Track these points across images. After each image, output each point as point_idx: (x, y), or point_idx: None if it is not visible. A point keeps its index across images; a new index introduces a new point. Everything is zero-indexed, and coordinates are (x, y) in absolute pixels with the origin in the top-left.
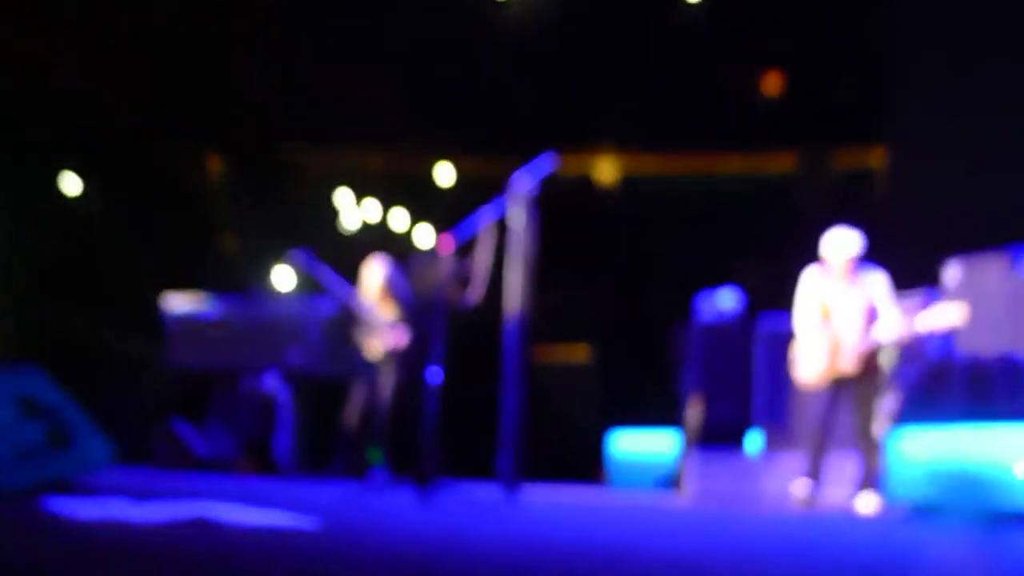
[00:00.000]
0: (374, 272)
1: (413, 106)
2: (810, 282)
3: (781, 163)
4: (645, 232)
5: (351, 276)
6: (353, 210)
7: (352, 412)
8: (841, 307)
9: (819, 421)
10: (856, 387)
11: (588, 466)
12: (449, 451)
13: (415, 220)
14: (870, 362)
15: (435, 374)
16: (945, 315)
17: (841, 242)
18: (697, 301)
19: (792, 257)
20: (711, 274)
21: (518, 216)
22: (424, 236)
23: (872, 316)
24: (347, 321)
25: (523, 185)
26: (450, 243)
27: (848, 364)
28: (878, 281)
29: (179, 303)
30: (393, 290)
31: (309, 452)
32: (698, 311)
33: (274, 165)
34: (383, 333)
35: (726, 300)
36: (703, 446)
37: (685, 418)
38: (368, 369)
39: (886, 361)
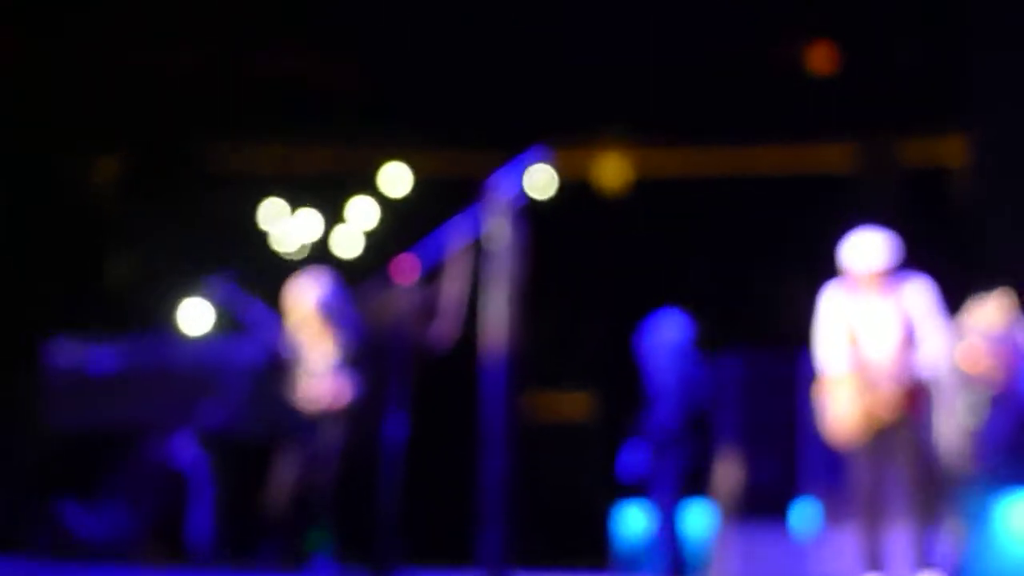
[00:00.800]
0: (305, 295)
1: (363, 91)
2: (831, 303)
3: (834, 158)
4: (662, 249)
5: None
6: (288, 225)
7: (279, 485)
8: (871, 330)
9: (863, 487)
10: (898, 435)
11: (591, 548)
12: (414, 531)
13: (368, 237)
14: (913, 400)
15: (395, 434)
16: None
17: (867, 248)
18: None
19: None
20: (745, 299)
21: (499, 230)
22: (379, 257)
23: (913, 339)
24: (280, 368)
25: (506, 190)
26: (413, 266)
27: (884, 405)
28: (918, 292)
29: (63, 349)
30: (334, 320)
31: (232, 535)
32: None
33: (185, 169)
34: (321, 381)
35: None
36: (739, 520)
37: (715, 484)
38: (305, 429)
39: (968, 408)
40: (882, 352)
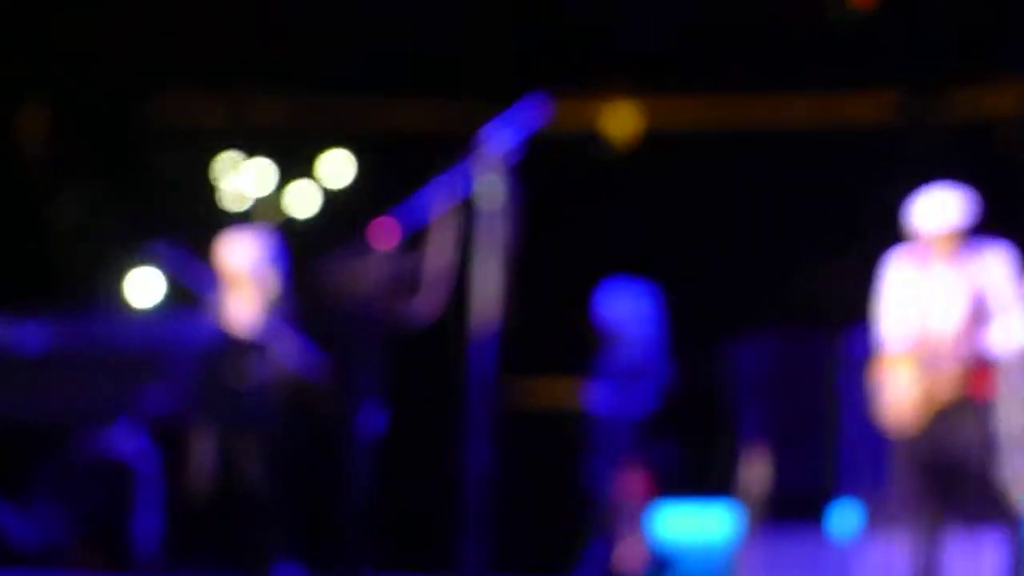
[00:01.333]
0: (240, 252)
1: (328, 31)
2: (896, 271)
3: (870, 108)
4: (676, 209)
5: None
6: (243, 184)
7: (200, 476)
8: (936, 302)
9: (916, 483)
10: (957, 422)
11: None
12: (388, 535)
13: (335, 198)
14: (978, 383)
15: (368, 422)
16: None
17: (938, 207)
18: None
19: (888, 241)
20: (771, 267)
21: (491, 190)
22: (351, 221)
23: (984, 314)
24: (235, 347)
25: (498, 145)
26: (391, 231)
27: (944, 386)
28: (995, 260)
29: None
30: (269, 284)
31: (182, 537)
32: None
33: (125, 121)
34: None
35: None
36: (769, 524)
37: (741, 483)
38: (264, 416)
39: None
40: (946, 327)
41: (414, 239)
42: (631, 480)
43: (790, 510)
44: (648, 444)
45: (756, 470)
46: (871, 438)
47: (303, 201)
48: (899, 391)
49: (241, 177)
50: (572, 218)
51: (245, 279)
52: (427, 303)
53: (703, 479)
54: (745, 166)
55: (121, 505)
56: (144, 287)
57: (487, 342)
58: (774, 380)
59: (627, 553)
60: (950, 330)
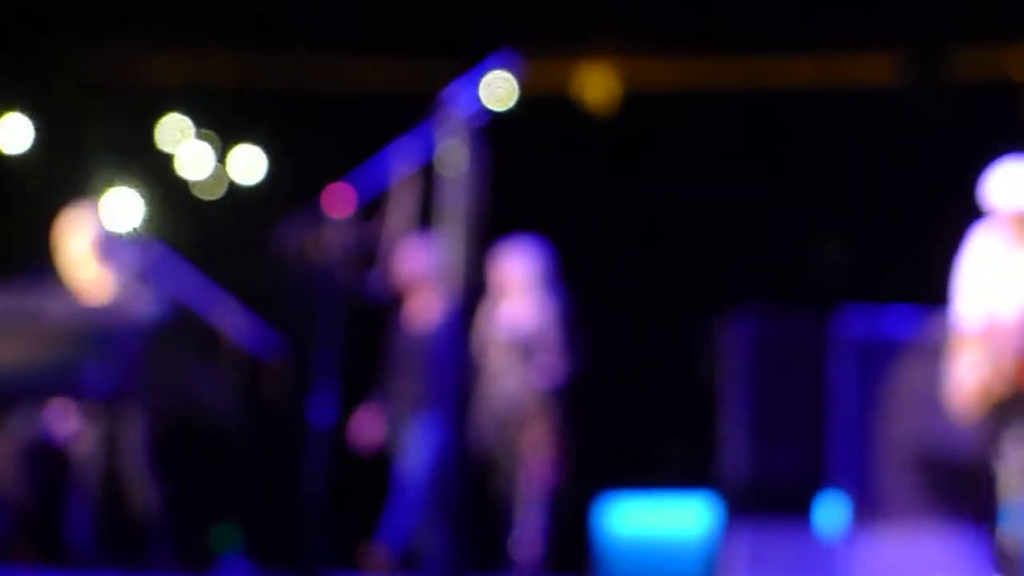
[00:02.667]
0: (76, 233)
1: None
2: (981, 246)
3: (874, 69)
4: (657, 179)
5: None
6: (189, 146)
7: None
8: (1008, 285)
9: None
10: (1016, 413)
11: (567, 552)
12: (345, 529)
13: (285, 161)
14: None
15: (322, 406)
16: None
17: (1016, 181)
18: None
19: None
20: (761, 243)
21: (454, 155)
22: (303, 186)
23: None
24: (184, 321)
25: (463, 106)
26: (347, 197)
27: (1007, 375)
28: None
29: None
30: (112, 263)
31: (120, 530)
32: None
33: (63, 80)
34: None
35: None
36: (751, 517)
37: (722, 474)
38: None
39: None
40: (1011, 316)
41: (371, 206)
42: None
43: (775, 503)
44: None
45: (738, 459)
46: (862, 429)
47: (250, 167)
48: (966, 376)
49: (191, 143)
50: (539, 186)
51: (85, 260)
52: (384, 275)
53: (682, 469)
54: (731, 131)
55: (54, 494)
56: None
57: (448, 320)
58: (757, 364)
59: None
60: (1013, 320)
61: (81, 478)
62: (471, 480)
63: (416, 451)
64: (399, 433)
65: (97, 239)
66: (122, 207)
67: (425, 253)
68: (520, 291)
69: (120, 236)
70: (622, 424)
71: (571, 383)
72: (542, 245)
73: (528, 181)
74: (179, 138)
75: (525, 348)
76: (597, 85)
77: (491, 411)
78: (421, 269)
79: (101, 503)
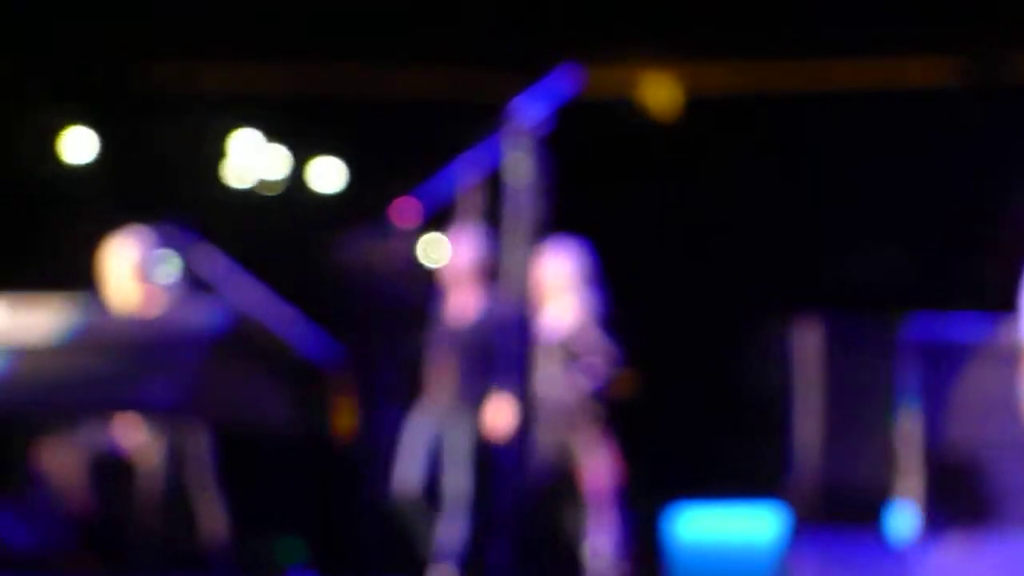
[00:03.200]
0: (118, 256)
1: None
2: None
3: (930, 71)
4: (722, 183)
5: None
6: (252, 159)
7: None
8: None
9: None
10: None
11: (637, 562)
12: (400, 539)
13: (352, 171)
14: None
15: (384, 417)
16: None
17: None
18: None
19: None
20: (823, 249)
21: (520, 166)
22: (369, 197)
23: None
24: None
25: (527, 117)
26: (413, 210)
27: None
28: None
29: None
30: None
31: (185, 543)
32: None
33: (120, 90)
34: None
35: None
36: (821, 525)
37: (791, 482)
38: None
39: None
40: None
41: (438, 219)
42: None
43: (844, 510)
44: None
45: (807, 468)
46: (932, 436)
47: (319, 177)
48: None
49: (252, 152)
50: (602, 194)
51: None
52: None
53: (751, 477)
54: (795, 135)
55: (119, 506)
56: None
57: (514, 327)
58: (828, 369)
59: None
60: None
61: (146, 491)
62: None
63: (454, 453)
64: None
65: (140, 261)
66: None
67: (470, 247)
68: (561, 293)
69: (167, 252)
70: (690, 432)
71: (635, 390)
72: (582, 245)
73: (592, 186)
74: (245, 148)
75: (567, 351)
76: (659, 90)
77: (540, 415)
78: (466, 263)
79: (166, 516)
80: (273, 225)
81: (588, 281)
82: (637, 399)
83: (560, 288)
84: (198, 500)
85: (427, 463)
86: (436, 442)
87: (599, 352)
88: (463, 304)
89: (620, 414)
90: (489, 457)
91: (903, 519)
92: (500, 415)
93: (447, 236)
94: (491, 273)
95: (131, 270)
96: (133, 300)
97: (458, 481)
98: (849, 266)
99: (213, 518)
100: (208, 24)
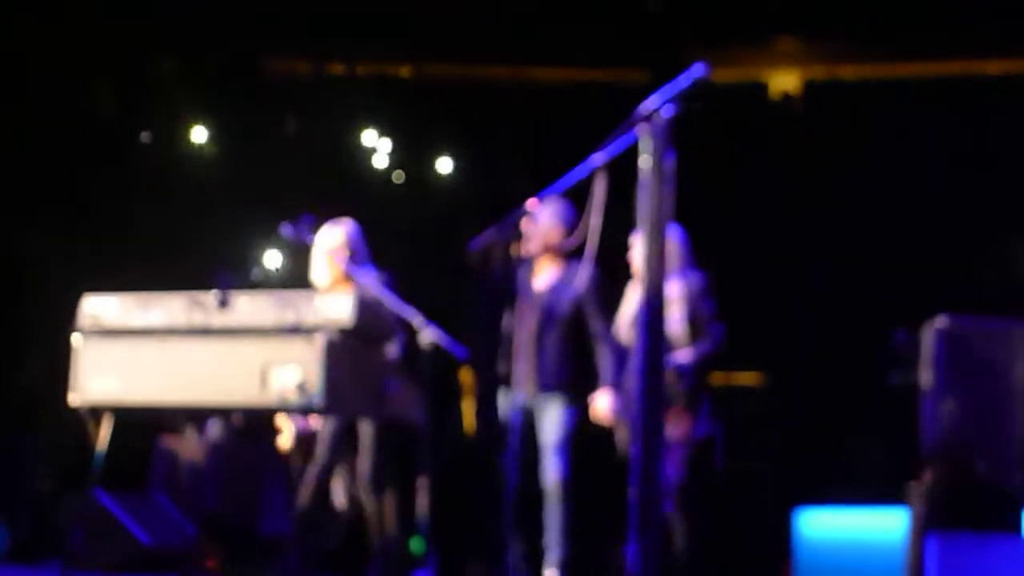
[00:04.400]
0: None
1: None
2: None
3: None
4: (854, 174)
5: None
6: (382, 152)
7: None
8: None
9: None
10: None
11: (766, 565)
12: (529, 535)
13: (477, 168)
14: None
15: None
16: None
17: None
18: None
19: None
20: (962, 245)
21: (648, 161)
22: (496, 193)
23: None
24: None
25: (658, 114)
26: (542, 207)
27: None
28: None
29: (99, 308)
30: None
31: (354, 542)
32: None
33: (247, 80)
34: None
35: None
36: (952, 529)
37: (919, 483)
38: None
39: None
40: None
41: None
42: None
43: (977, 515)
44: None
45: (936, 468)
46: None
47: (442, 172)
48: None
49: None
50: (730, 182)
51: (331, 261)
52: (583, 275)
53: (881, 480)
54: (942, 123)
55: (249, 501)
56: (272, 269)
57: (646, 319)
58: (959, 368)
59: None
60: None
61: (301, 488)
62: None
63: (546, 443)
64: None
65: (341, 246)
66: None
67: (558, 218)
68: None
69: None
70: (820, 435)
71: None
72: (677, 228)
73: (716, 180)
74: (370, 141)
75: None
76: (786, 79)
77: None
78: (555, 234)
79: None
80: (401, 218)
81: (683, 264)
82: (766, 402)
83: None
84: (359, 499)
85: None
86: (528, 430)
87: (689, 334)
88: (549, 275)
89: (751, 417)
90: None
91: None
92: (602, 405)
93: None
94: (570, 245)
95: (333, 253)
96: (331, 283)
97: (550, 472)
98: (981, 265)
99: (380, 515)
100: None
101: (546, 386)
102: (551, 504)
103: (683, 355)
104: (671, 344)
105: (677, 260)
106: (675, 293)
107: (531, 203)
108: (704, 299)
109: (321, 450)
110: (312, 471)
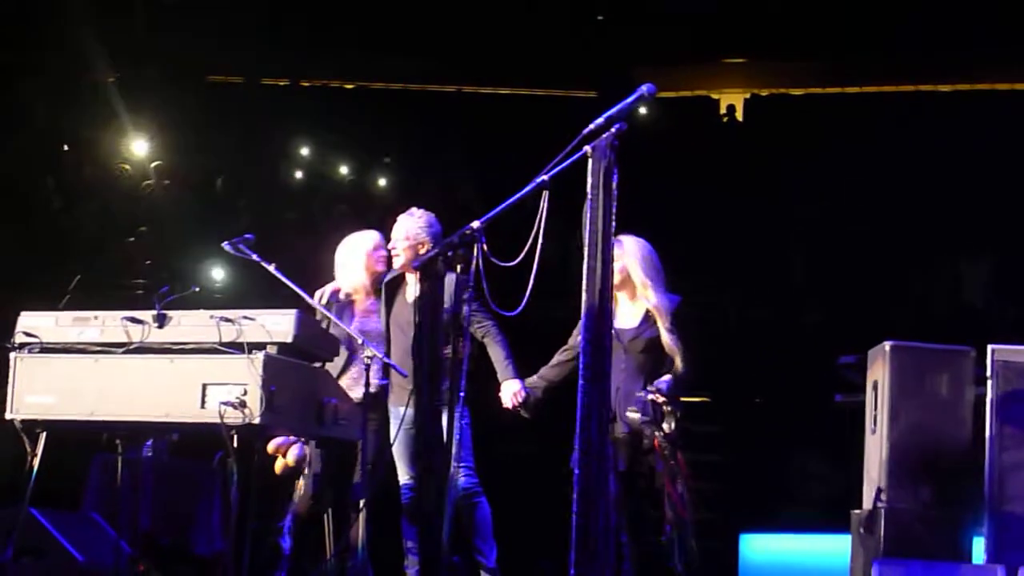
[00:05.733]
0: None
1: None
2: None
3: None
4: (803, 192)
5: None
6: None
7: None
8: None
9: None
10: None
11: None
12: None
13: (425, 181)
14: None
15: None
16: None
17: None
18: None
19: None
20: (908, 267)
21: (595, 175)
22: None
23: None
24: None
25: (605, 130)
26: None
27: None
28: None
29: (35, 325)
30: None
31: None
32: None
33: (189, 91)
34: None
35: None
36: (897, 556)
37: (867, 513)
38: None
39: None
40: None
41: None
42: None
43: (921, 542)
44: None
45: (876, 494)
46: (1010, 462)
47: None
48: None
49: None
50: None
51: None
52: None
53: (821, 506)
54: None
55: (186, 511)
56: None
57: (593, 334)
58: (904, 398)
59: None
60: None
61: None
62: None
63: None
64: None
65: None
66: None
67: None
68: (625, 288)
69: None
70: (764, 457)
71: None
72: (644, 243)
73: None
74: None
75: (625, 349)
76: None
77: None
78: None
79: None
80: (344, 230)
81: (651, 280)
82: (713, 428)
83: (625, 284)
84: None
85: None
86: None
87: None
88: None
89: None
90: None
91: (975, 547)
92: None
93: None
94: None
95: (364, 260)
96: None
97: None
98: (929, 289)
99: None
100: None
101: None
102: (469, 508)
103: (664, 381)
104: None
105: (647, 277)
106: (664, 308)
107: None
108: (678, 322)
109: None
110: (306, 487)
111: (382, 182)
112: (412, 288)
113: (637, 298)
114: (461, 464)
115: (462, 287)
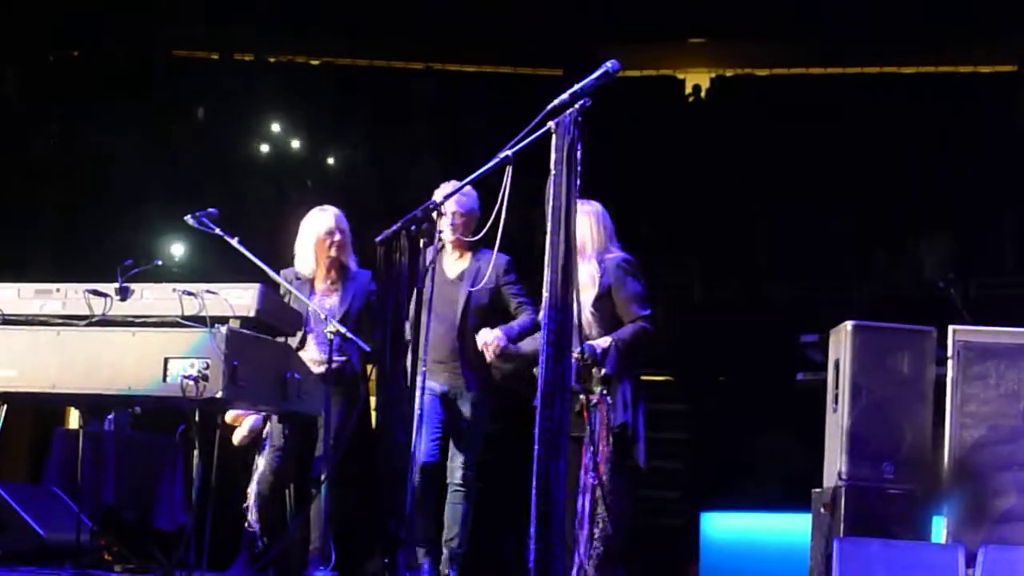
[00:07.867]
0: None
1: None
2: None
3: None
4: (774, 173)
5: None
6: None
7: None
8: None
9: None
10: None
11: (673, 561)
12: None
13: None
14: None
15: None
16: None
17: None
18: None
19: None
20: (871, 247)
21: (558, 150)
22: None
23: None
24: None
25: (569, 107)
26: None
27: None
28: None
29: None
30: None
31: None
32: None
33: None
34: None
35: None
36: (858, 533)
37: (828, 491)
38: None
39: None
40: None
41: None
42: None
43: (882, 520)
44: None
45: (839, 468)
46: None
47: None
48: None
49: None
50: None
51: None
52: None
53: (784, 485)
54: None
55: (147, 489)
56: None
57: (554, 317)
58: (866, 377)
59: None
60: None
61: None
62: None
63: None
64: None
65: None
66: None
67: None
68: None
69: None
70: (727, 436)
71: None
72: (598, 206)
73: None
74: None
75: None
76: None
77: None
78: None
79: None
80: (306, 205)
81: (605, 243)
82: (675, 406)
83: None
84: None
85: None
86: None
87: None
88: (455, 266)
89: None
90: None
91: (936, 525)
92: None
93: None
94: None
95: (318, 239)
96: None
97: (459, 466)
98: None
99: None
100: None
101: (468, 376)
102: (456, 496)
103: (603, 341)
104: (586, 331)
105: (599, 240)
106: (586, 278)
107: (440, 194)
108: (629, 279)
109: (276, 442)
110: (268, 462)
111: (346, 158)
112: (452, 267)
113: None
114: (462, 451)
115: (502, 266)
